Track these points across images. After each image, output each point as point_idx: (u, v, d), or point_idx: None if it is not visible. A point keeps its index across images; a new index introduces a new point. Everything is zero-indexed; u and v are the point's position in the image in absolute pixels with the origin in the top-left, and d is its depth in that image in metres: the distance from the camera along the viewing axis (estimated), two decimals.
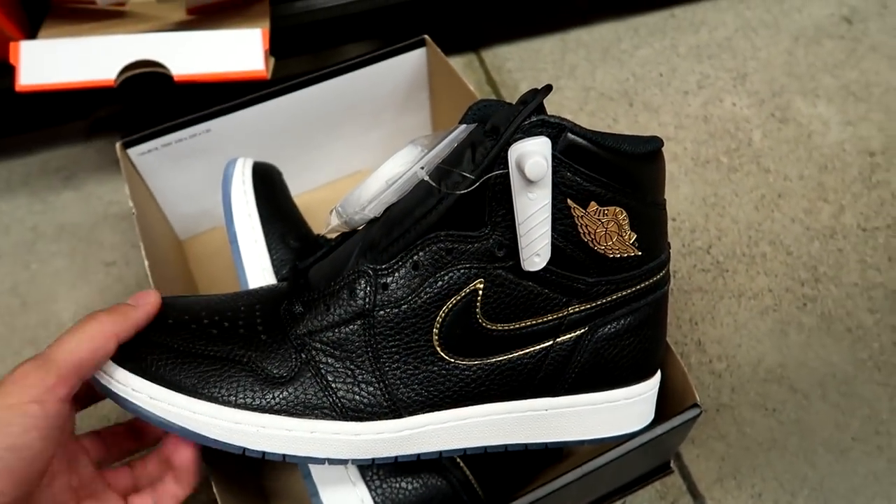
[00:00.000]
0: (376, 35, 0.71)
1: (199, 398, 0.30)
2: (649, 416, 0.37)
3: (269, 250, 0.42)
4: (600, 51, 0.71)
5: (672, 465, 0.46)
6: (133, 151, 0.50)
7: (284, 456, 0.31)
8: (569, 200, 0.31)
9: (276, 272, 0.41)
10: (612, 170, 0.31)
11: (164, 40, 0.50)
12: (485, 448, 0.34)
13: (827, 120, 0.65)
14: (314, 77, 0.53)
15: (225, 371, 0.31)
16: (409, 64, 0.56)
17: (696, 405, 0.37)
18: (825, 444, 0.48)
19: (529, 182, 0.29)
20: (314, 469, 0.34)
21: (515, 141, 0.30)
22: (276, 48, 0.54)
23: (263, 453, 0.31)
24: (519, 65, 0.70)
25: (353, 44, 0.72)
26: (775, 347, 0.52)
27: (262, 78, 0.51)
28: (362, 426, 0.32)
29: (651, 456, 0.42)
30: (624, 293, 0.33)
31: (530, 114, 0.30)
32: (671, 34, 0.72)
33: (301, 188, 0.58)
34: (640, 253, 0.33)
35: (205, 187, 0.54)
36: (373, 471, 0.35)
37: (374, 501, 0.34)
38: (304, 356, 0.32)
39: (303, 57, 0.70)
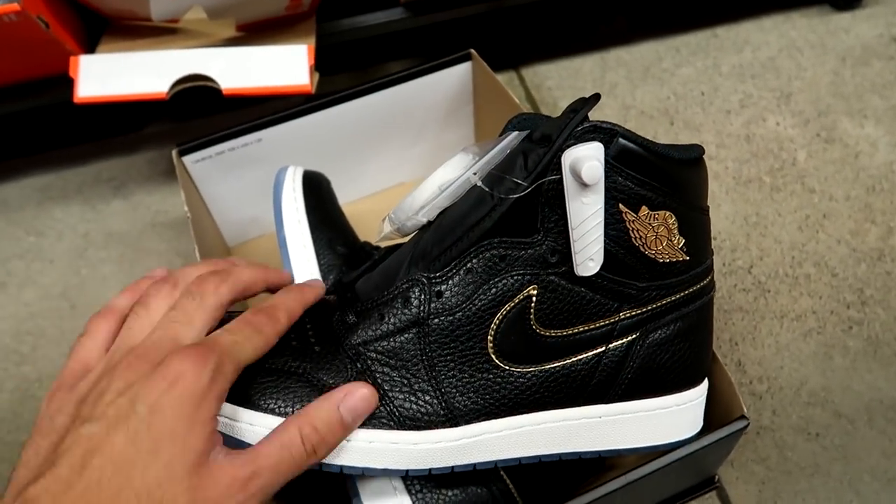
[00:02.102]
0: (419, 53, 0.73)
1: (256, 410, 0.31)
2: (699, 423, 0.36)
3: (317, 255, 0.43)
4: (641, 70, 0.71)
5: (717, 480, 0.45)
6: (188, 159, 0.52)
7: (342, 467, 0.31)
8: (621, 205, 0.31)
9: (324, 277, 0.42)
10: (662, 175, 0.31)
11: (213, 55, 0.52)
12: (539, 458, 0.34)
13: (875, 141, 0.64)
14: (362, 89, 0.54)
15: (281, 383, 0.31)
16: (455, 78, 0.57)
17: (743, 416, 0.37)
18: (871, 471, 0.46)
19: (584, 186, 0.30)
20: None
21: (568, 146, 0.30)
22: (321, 64, 0.56)
23: (321, 464, 0.31)
24: (559, 83, 0.71)
25: (397, 61, 0.73)
26: (819, 370, 0.51)
27: (307, 92, 0.52)
28: (420, 435, 0.32)
29: (695, 469, 0.41)
30: (673, 298, 0.34)
31: (582, 120, 0.31)
32: (713, 53, 0.72)
33: (346, 198, 0.59)
34: (687, 258, 0.33)
35: (254, 195, 0.55)
36: (415, 478, 0.35)
37: None
38: (359, 366, 0.32)
39: (348, 73, 0.72)
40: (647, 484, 0.36)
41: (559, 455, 0.34)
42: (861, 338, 0.52)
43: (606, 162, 0.30)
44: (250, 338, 0.31)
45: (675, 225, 0.32)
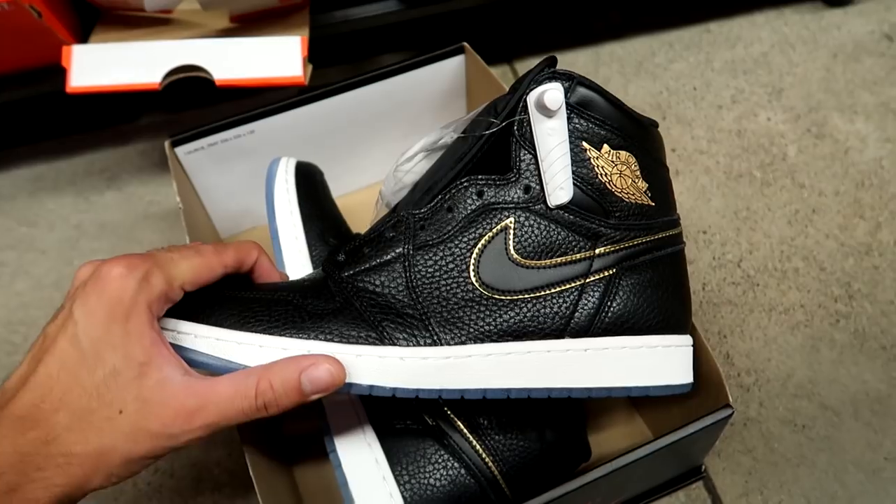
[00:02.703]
0: (413, 46, 0.73)
1: (243, 330, 0.32)
2: (689, 374, 0.37)
3: (309, 247, 0.43)
4: (634, 64, 0.71)
5: (703, 470, 0.46)
6: (181, 150, 0.52)
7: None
8: (584, 143, 0.34)
9: (315, 268, 0.42)
10: (619, 119, 0.34)
11: (207, 46, 0.52)
12: (528, 392, 0.34)
13: (865, 136, 0.64)
14: (355, 82, 0.54)
15: (272, 307, 0.33)
16: (448, 71, 0.57)
17: (728, 405, 0.37)
18: (856, 462, 0.47)
19: (548, 116, 0.33)
20: (345, 462, 0.35)
21: (532, 89, 0.34)
22: (315, 56, 0.56)
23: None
24: None
25: (390, 54, 0.73)
26: (806, 363, 0.51)
27: (300, 84, 0.52)
28: (407, 350, 0.33)
29: (681, 458, 0.42)
30: (645, 239, 0.35)
31: (543, 69, 0.34)
32: (706, 49, 0.72)
33: (339, 190, 0.60)
34: (652, 203, 0.36)
35: (247, 187, 0.56)
36: (402, 467, 0.35)
37: (403, 497, 0.35)
38: (347, 292, 0.34)
39: (342, 66, 0.72)
40: (633, 472, 0.36)
41: (548, 390, 0.34)
42: (848, 331, 0.53)
43: (567, 105, 0.33)
44: (187, 256, 0.32)
45: (637, 168, 0.35)
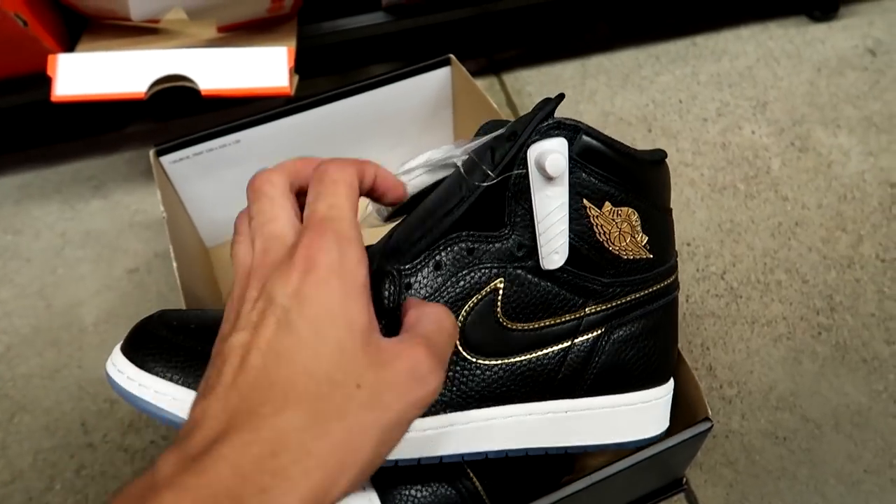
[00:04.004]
0: (400, 57, 0.73)
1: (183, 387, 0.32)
2: (665, 422, 0.37)
3: None
4: (621, 77, 0.72)
5: (685, 482, 0.46)
6: (165, 159, 0.52)
7: None
8: (585, 200, 0.32)
9: None
10: (624, 172, 0.33)
11: (193, 56, 0.52)
12: (506, 452, 0.34)
13: (848, 150, 0.65)
14: (341, 92, 0.54)
15: None
16: (434, 82, 0.57)
17: (707, 419, 0.37)
18: (837, 475, 0.47)
19: (549, 179, 0.31)
20: None
21: (534, 142, 0.32)
22: (303, 67, 0.56)
23: None
24: (539, 89, 0.71)
25: (378, 64, 0.73)
26: (788, 375, 0.51)
27: (286, 94, 0.53)
28: None
29: (662, 470, 0.42)
30: (638, 295, 0.34)
31: (546, 117, 0.32)
32: (692, 62, 0.73)
33: None
34: (651, 256, 0.34)
35: (232, 196, 0.55)
36: (384, 478, 0.35)
37: None
38: None
39: (330, 76, 0.72)
40: (614, 484, 0.37)
41: (526, 450, 0.34)
42: (829, 344, 0.53)
43: (570, 158, 0.32)
44: (337, 193, 0.28)
45: (639, 222, 0.33)
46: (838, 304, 0.55)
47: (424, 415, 0.32)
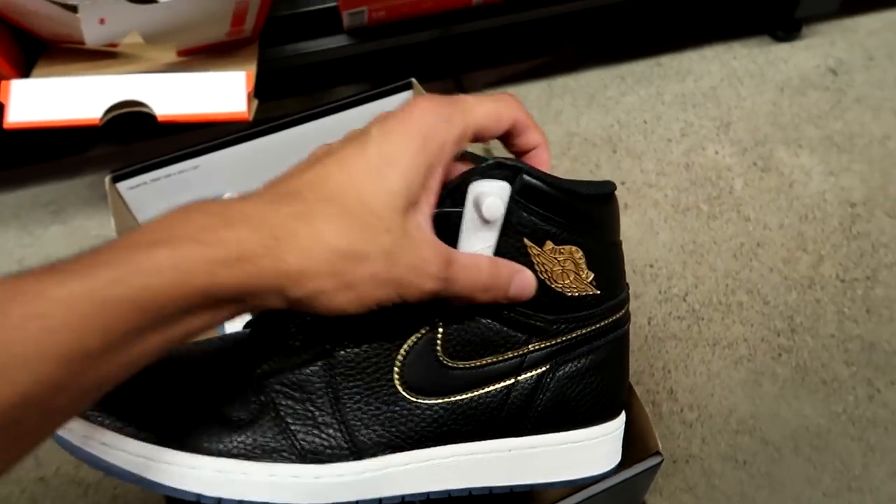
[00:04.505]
0: (364, 79, 0.73)
1: (159, 445, 0.30)
2: (615, 458, 0.36)
3: None
4: (586, 97, 0.72)
5: None
6: (123, 185, 0.51)
7: (241, 502, 0.30)
8: (525, 239, 0.32)
9: None
10: (567, 210, 0.32)
11: (150, 81, 0.52)
12: (448, 492, 0.33)
13: (809, 170, 0.66)
14: (302, 116, 0.54)
15: (189, 414, 0.31)
16: (396, 106, 0.57)
17: (657, 453, 0.37)
18: (796, 499, 0.47)
19: (484, 222, 0.31)
20: None
21: (474, 180, 0.31)
22: (266, 90, 0.56)
23: (220, 500, 0.30)
24: None
25: (343, 86, 0.73)
26: (748, 398, 0.51)
27: (244, 119, 0.52)
28: (322, 469, 0.31)
29: (616, 501, 0.42)
30: (584, 331, 0.34)
31: (492, 162, 0.31)
32: (657, 82, 0.74)
33: None
34: (598, 292, 0.34)
35: None
36: None
37: None
38: (263, 398, 0.32)
39: (296, 98, 0.72)
40: None
41: (469, 490, 0.33)
42: (790, 365, 0.53)
43: (511, 198, 0.31)
44: (483, 102, 0.31)
45: (583, 259, 0.33)
46: (798, 325, 0.55)
47: (359, 458, 0.32)
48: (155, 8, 0.52)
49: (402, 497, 0.32)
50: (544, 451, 0.34)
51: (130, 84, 0.51)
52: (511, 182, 0.31)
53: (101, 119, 0.51)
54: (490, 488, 0.34)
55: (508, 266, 0.31)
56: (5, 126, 0.50)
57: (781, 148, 0.67)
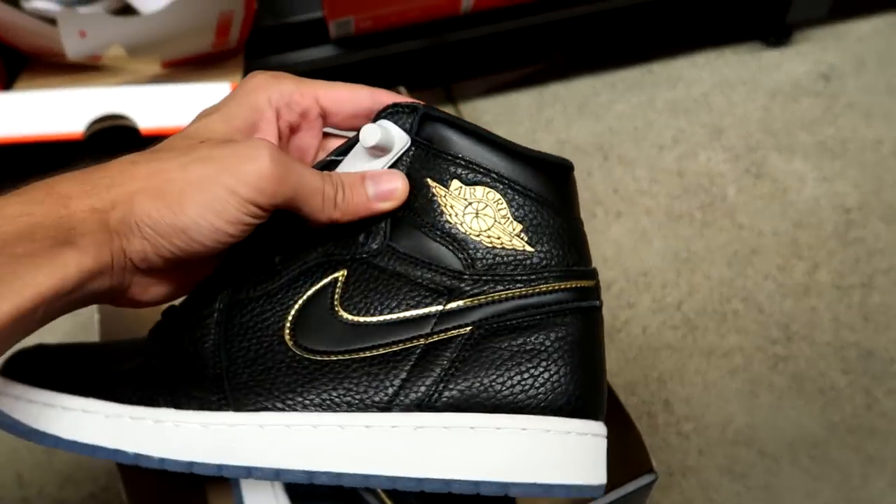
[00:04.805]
0: None
1: (45, 388, 0.29)
2: (595, 472, 0.29)
3: None
4: (577, 105, 0.72)
5: None
6: None
7: (94, 447, 0.28)
8: (428, 180, 0.30)
9: None
10: (474, 150, 0.30)
11: (133, 94, 0.51)
12: (339, 476, 0.28)
13: (803, 176, 0.65)
14: None
15: (86, 366, 0.30)
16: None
17: (651, 470, 0.36)
18: None
19: (367, 154, 0.30)
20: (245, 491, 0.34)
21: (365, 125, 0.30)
22: None
23: (73, 443, 0.28)
24: (495, 118, 0.71)
25: None
26: (744, 408, 0.51)
27: None
28: (185, 414, 0.28)
29: None
30: (515, 293, 0.29)
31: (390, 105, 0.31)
32: (648, 89, 0.73)
33: None
34: (531, 249, 0.30)
35: None
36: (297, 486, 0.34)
37: None
38: (151, 350, 0.30)
39: None
40: None
41: (366, 478, 0.28)
42: (786, 374, 0.52)
43: (413, 141, 0.30)
44: (333, 82, 0.32)
45: (504, 206, 0.29)
46: (795, 333, 0.55)
47: (238, 407, 0.28)
48: (138, 20, 0.51)
49: (277, 473, 0.28)
50: (465, 436, 0.28)
51: (113, 97, 0.51)
52: (410, 124, 0.30)
53: (84, 133, 0.50)
54: (393, 479, 0.28)
55: (356, 175, 0.30)
56: None
57: (774, 154, 0.67)
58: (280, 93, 0.30)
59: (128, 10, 0.55)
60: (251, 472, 0.28)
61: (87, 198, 0.25)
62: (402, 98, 0.31)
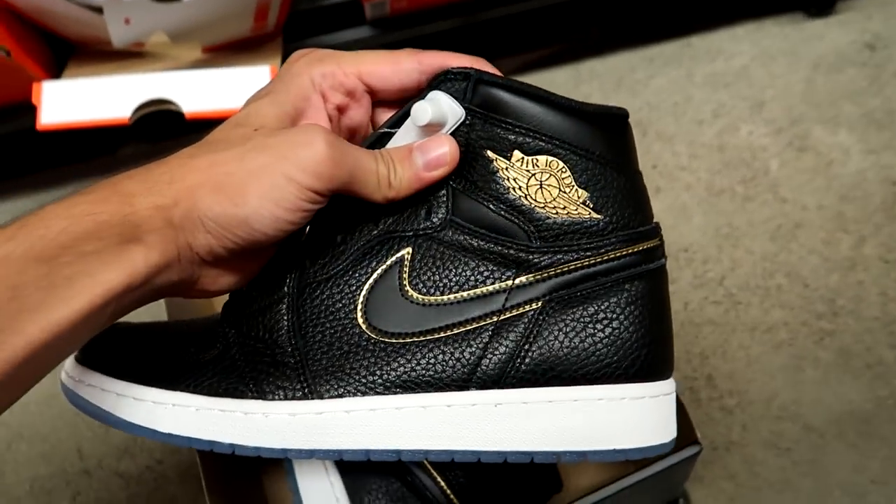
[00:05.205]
0: None
1: (123, 379, 0.29)
2: (664, 431, 0.30)
3: None
4: (614, 81, 0.71)
5: (680, 503, 0.45)
6: None
7: (189, 439, 0.29)
8: (488, 152, 0.28)
9: None
10: (537, 119, 0.28)
11: (176, 79, 0.52)
12: (425, 453, 0.29)
13: (848, 148, 0.64)
14: None
15: (160, 355, 0.31)
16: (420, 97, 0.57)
17: (696, 442, 0.36)
18: (842, 486, 0.46)
19: (418, 130, 0.29)
20: (304, 496, 0.34)
21: (418, 99, 0.29)
22: None
23: (169, 436, 0.29)
24: None
25: None
26: (789, 383, 0.50)
27: None
28: (274, 405, 0.29)
29: (652, 494, 0.41)
30: (588, 263, 0.29)
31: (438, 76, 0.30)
32: (687, 63, 0.72)
33: None
34: (597, 215, 0.29)
35: None
36: (359, 490, 0.34)
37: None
38: (228, 338, 0.30)
39: None
40: None
41: (451, 453, 0.29)
42: (832, 349, 0.52)
43: (467, 110, 0.28)
44: (373, 52, 0.31)
45: (568, 174, 0.28)
46: (841, 308, 0.54)
47: (320, 396, 0.29)
48: (179, 7, 0.52)
49: (367, 454, 0.29)
50: (544, 410, 0.29)
51: (158, 82, 0.52)
52: (463, 92, 0.28)
53: (130, 118, 0.51)
54: (479, 453, 0.29)
55: (404, 148, 0.29)
56: (38, 128, 0.51)
57: (818, 127, 0.65)
58: (323, 75, 0.30)
59: None
60: (342, 455, 0.29)
61: (150, 195, 0.25)
62: (454, 60, 0.30)
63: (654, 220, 0.31)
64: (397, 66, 0.30)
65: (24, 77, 0.53)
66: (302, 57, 0.30)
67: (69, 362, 0.31)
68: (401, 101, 0.31)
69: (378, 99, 0.32)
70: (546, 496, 0.39)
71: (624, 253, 0.29)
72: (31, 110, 0.53)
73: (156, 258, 0.25)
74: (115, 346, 0.31)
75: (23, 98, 0.53)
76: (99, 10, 0.52)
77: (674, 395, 0.30)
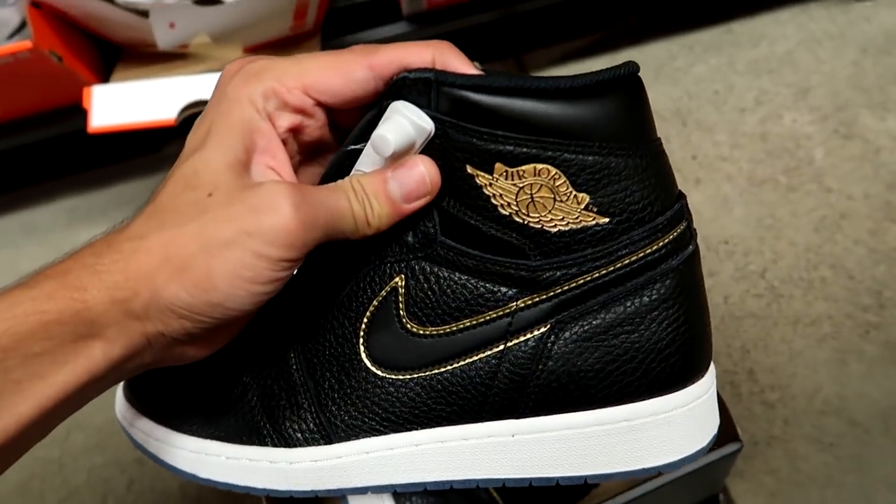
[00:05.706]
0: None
1: (156, 422, 0.30)
2: (702, 435, 0.27)
3: None
4: (653, 69, 0.70)
5: (720, 499, 0.45)
6: None
7: (227, 484, 0.30)
8: (467, 167, 0.25)
9: None
10: (520, 117, 0.24)
11: None
12: (449, 483, 0.29)
13: None
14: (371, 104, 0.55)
15: (192, 398, 0.31)
16: None
17: (736, 439, 0.36)
18: (887, 482, 0.45)
19: (383, 158, 0.25)
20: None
21: (388, 105, 0.25)
22: None
23: (209, 480, 0.30)
24: None
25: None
26: (833, 378, 0.49)
27: None
28: (296, 453, 0.29)
29: (691, 490, 0.41)
30: (593, 276, 0.26)
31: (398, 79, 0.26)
32: (728, 50, 0.71)
33: None
34: (605, 219, 0.25)
35: None
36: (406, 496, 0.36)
37: None
38: (244, 381, 0.30)
39: None
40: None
41: (476, 481, 0.28)
42: (878, 342, 0.51)
43: (434, 119, 0.24)
44: (317, 56, 0.27)
45: (563, 180, 0.25)
46: (888, 300, 0.53)
47: (333, 441, 0.29)
48: (221, 8, 0.53)
49: (394, 487, 0.29)
50: (563, 437, 0.27)
51: (202, 84, 0.53)
52: (429, 100, 0.24)
53: (176, 119, 0.53)
54: (501, 480, 0.28)
55: (378, 177, 0.26)
56: (89, 131, 0.53)
57: (865, 112, 0.64)
58: (264, 95, 0.26)
59: (212, 0, 0.57)
60: (368, 490, 0.29)
61: (103, 288, 0.23)
62: (411, 55, 0.25)
63: (678, 192, 0.27)
64: (347, 77, 0.26)
65: (74, 81, 0.55)
66: (235, 74, 0.26)
67: (120, 401, 0.32)
68: (361, 109, 0.27)
69: (335, 118, 0.28)
70: (585, 490, 0.39)
71: (641, 256, 0.26)
72: (80, 113, 0.55)
73: (118, 351, 0.24)
74: (155, 382, 0.31)
75: (73, 101, 0.55)
76: (145, 14, 0.53)
77: (713, 391, 0.28)
